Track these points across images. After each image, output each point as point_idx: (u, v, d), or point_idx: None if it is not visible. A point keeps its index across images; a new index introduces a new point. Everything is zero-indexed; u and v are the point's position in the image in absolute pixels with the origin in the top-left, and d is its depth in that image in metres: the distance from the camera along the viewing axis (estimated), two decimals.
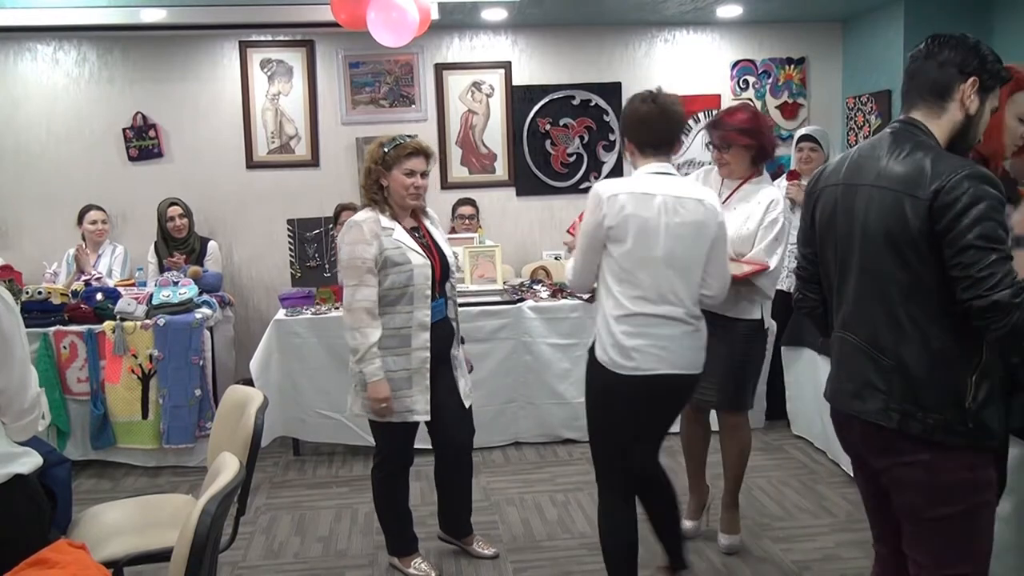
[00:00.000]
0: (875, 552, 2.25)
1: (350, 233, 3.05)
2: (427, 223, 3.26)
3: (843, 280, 2.08)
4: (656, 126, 2.68)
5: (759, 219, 3.22)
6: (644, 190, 2.64)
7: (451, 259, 3.27)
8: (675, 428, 3.91)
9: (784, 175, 4.84)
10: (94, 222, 5.34)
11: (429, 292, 3.08)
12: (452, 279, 3.28)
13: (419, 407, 3.10)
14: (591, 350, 2.73)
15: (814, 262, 2.21)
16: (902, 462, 1.97)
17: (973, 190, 1.81)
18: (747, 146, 3.22)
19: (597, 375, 2.70)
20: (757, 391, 4.63)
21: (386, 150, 3.07)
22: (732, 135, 3.22)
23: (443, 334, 3.21)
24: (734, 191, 3.30)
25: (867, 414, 1.99)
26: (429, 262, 3.09)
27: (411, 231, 3.14)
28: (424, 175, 3.12)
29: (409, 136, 3.15)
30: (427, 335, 3.09)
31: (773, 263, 3.19)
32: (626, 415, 2.69)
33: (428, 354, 3.10)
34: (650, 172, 2.70)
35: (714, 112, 5.61)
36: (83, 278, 4.79)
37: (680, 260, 2.63)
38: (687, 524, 3.54)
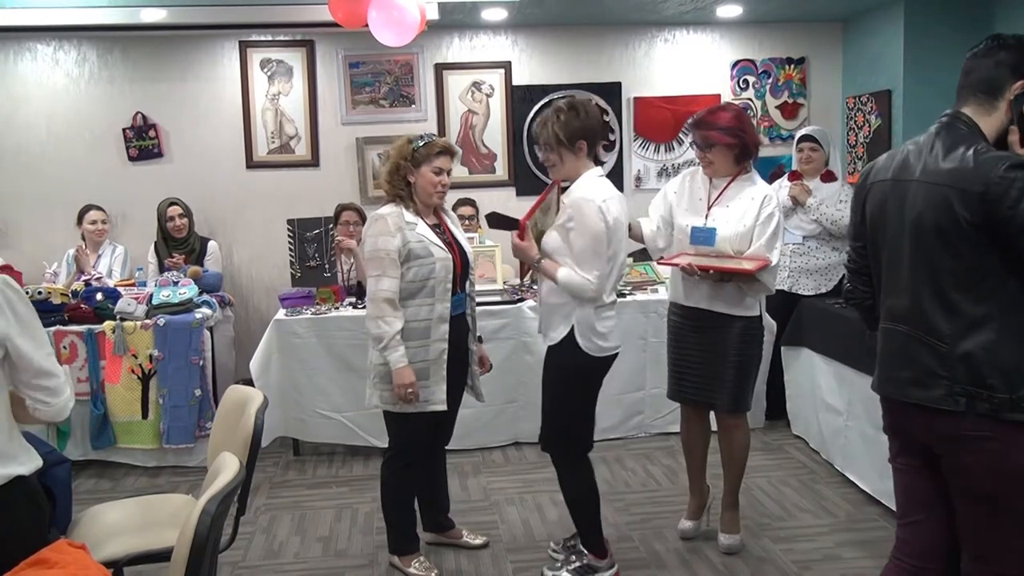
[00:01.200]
0: (896, 537, 2.28)
1: (375, 226, 3.11)
2: (447, 220, 3.32)
3: (893, 273, 2.16)
4: (606, 131, 2.97)
5: (755, 215, 3.21)
6: (615, 194, 2.99)
7: (471, 256, 3.33)
8: (675, 428, 3.93)
9: (785, 175, 4.84)
10: (94, 222, 5.33)
11: (450, 285, 3.15)
12: (471, 276, 3.34)
13: (436, 398, 3.15)
14: (563, 342, 2.99)
15: (864, 255, 2.31)
16: (969, 448, 2.03)
17: (1022, 177, 1.91)
18: (730, 145, 3.22)
19: (576, 360, 2.99)
20: (757, 391, 4.67)
21: (416, 147, 3.12)
22: (714, 135, 3.22)
23: (460, 329, 3.27)
24: (723, 190, 3.29)
25: (931, 400, 2.06)
26: (450, 256, 3.16)
27: (433, 227, 3.20)
28: (449, 173, 3.20)
29: (435, 135, 3.22)
30: (446, 327, 3.15)
31: (775, 258, 3.18)
32: (597, 389, 3.12)
33: (446, 345, 3.15)
34: (600, 176, 3.03)
35: None
36: (83, 278, 4.79)
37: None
38: (687, 524, 3.55)
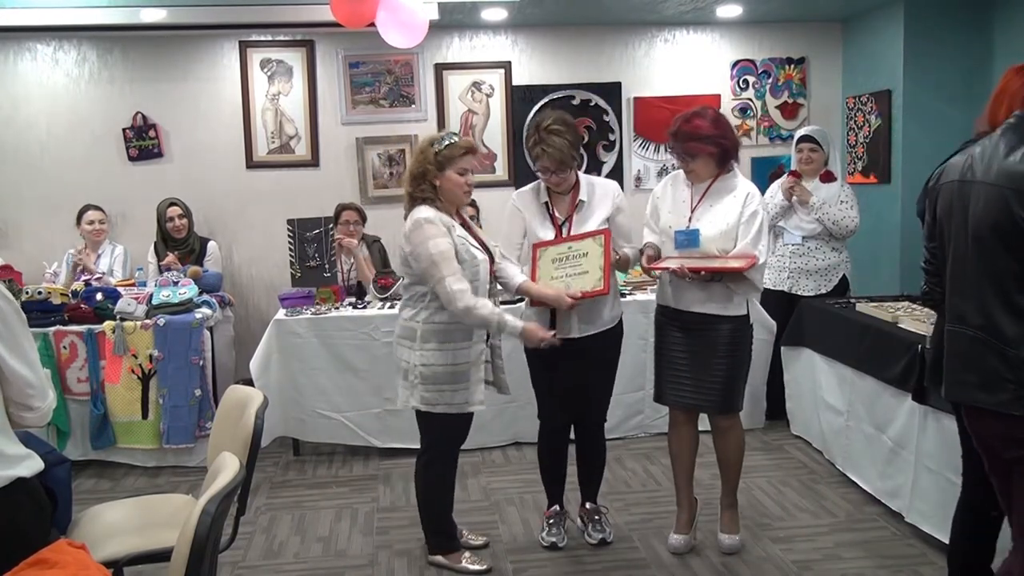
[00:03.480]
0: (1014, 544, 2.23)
1: (425, 229, 3.02)
2: (468, 220, 3.31)
3: (958, 274, 2.15)
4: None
5: (738, 213, 3.18)
6: None
7: (495, 255, 3.29)
8: (663, 428, 3.89)
9: (784, 175, 4.84)
10: (92, 222, 5.32)
11: (489, 286, 3.15)
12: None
13: (475, 399, 3.16)
14: (620, 325, 3.45)
15: (937, 256, 2.30)
16: None
17: None
18: (712, 154, 3.19)
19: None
20: (757, 391, 4.68)
21: (438, 150, 3.07)
22: (694, 146, 3.18)
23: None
24: (706, 192, 3.26)
25: (999, 405, 2.04)
26: (487, 257, 3.16)
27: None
28: (471, 172, 3.16)
29: (456, 134, 3.17)
30: (484, 328, 3.15)
31: (762, 256, 3.15)
32: None
33: (484, 346, 3.16)
34: None
35: None
36: (84, 278, 4.79)
37: None
38: (678, 539, 3.43)
